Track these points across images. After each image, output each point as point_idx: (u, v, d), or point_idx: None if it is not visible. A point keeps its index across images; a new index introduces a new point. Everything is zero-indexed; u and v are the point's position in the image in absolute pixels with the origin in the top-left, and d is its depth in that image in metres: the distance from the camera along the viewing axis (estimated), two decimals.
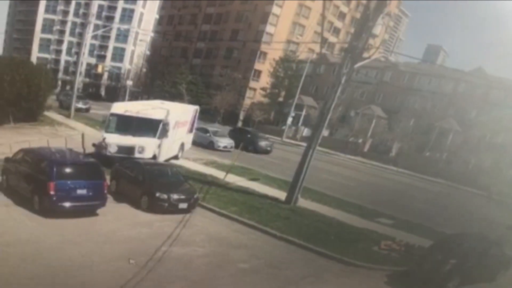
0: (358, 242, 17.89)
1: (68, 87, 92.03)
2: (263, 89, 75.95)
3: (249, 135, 40.75)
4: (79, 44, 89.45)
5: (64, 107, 50.89)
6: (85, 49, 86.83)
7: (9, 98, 33.50)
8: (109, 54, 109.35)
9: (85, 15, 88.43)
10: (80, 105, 52.09)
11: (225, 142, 37.83)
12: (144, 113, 25.56)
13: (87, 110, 53.19)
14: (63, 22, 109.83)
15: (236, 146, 34.91)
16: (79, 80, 71.63)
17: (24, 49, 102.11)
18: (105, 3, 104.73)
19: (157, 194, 18.28)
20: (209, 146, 36.80)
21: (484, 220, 25.28)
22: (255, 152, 38.55)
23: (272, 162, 35.82)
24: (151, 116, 25.39)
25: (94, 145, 24.82)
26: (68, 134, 31.71)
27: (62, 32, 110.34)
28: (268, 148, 40.70)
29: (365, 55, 22.56)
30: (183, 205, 18.62)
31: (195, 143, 34.45)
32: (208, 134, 37.86)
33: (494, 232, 19.15)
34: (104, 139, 24.37)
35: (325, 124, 21.90)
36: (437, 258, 15.00)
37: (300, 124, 66.04)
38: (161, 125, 25.15)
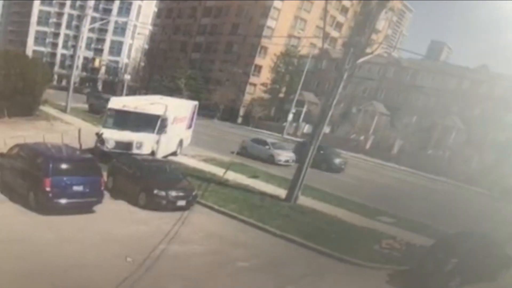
0: (359, 240, 17.74)
1: (64, 81, 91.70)
2: (263, 84, 75.70)
3: (322, 151, 32.83)
4: (76, 37, 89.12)
5: (95, 112, 45.17)
6: (82, 43, 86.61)
7: (4, 92, 33.15)
8: (106, 48, 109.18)
9: (82, 8, 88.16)
10: None
11: (286, 155, 33.58)
12: (142, 108, 25.35)
13: None
14: (60, 15, 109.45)
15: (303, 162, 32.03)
16: (76, 74, 71.19)
17: (19, 42, 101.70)
18: None
19: (155, 191, 18.11)
20: (268, 160, 32.80)
21: (486, 219, 25.10)
22: (328, 171, 33.55)
23: (349, 183, 31.21)
24: (149, 112, 25.17)
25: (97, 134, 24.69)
26: (64, 129, 31.52)
27: (58, 25, 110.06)
28: (342, 166, 35.58)
29: (368, 50, 22.29)
30: (181, 202, 18.47)
31: (251, 156, 32.11)
32: (267, 147, 33.73)
33: (496, 231, 18.96)
34: (101, 134, 24.13)
35: (326, 121, 21.74)
36: (439, 257, 14.85)
37: (301, 120, 65.85)
38: (159, 121, 24.94)
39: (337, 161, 35.04)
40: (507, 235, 18.41)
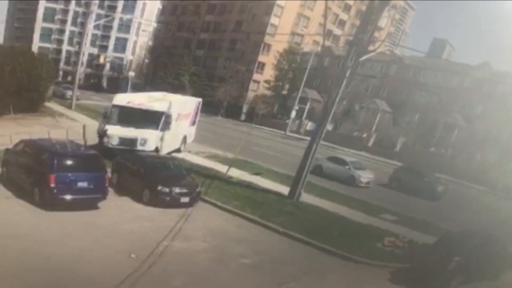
0: (362, 238, 17.74)
1: (69, 78, 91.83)
2: (266, 81, 75.57)
3: (426, 179, 30.67)
4: (81, 34, 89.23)
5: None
6: (87, 39, 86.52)
7: (10, 88, 33.20)
8: (111, 45, 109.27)
9: (87, 4, 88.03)
10: None
11: (367, 176, 30.14)
12: (146, 105, 25.41)
13: None
14: (65, 11, 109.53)
15: (403, 189, 29.71)
16: (81, 70, 71.34)
17: (25, 38, 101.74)
18: None
19: (159, 188, 18.14)
20: (348, 181, 29.27)
21: (489, 217, 25.08)
22: (431, 199, 29.08)
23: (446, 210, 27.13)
24: (153, 108, 25.24)
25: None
26: (69, 125, 31.63)
27: (63, 22, 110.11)
28: (443, 193, 30.94)
29: (371, 48, 22.26)
30: (185, 199, 18.51)
31: (326, 176, 29.51)
32: (347, 167, 30.09)
33: (499, 229, 18.95)
34: (106, 130, 24.21)
35: (329, 118, 21.77)
36: (441, 255, 14.84)
37: (304, 117, 65.76)
38: (163, 117, 25.01)
39: (440, 188, 30.53)
40: (510, 233, 18.41)
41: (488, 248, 15.31)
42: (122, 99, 26.36)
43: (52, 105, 42.21)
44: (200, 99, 34.60)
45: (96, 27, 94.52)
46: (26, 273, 11.04)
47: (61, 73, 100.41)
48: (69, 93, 55.29)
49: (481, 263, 14.85)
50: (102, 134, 24.33)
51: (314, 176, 27.57)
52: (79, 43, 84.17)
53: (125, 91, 63.90)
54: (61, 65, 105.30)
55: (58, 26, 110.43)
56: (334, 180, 29.04)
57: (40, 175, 15.78)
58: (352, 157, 36.48)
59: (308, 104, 65.88)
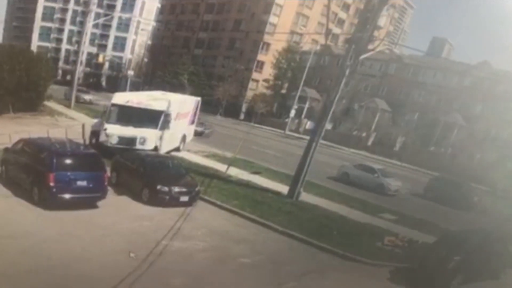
0: (361, 237, 17.72)
1: (68, 77, 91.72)
2: (265, 80, 75.65)
3: (462, 189, 29.94)
4: (80, 33, 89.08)
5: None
6: (86, 38, 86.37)
7: (9, 87, 33.19)
8: (110, 44, 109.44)
9: (86, 3, 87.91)
10: None
11: (395, 184, 29.40)
12: (145, 103, 25.36)
13: None
14: (64, 10, 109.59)
15: (438, 200, 28.61)
16: (80, 69, 71.23)
17: (24, 37, 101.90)
18: None
19: (158, 187, 18.10)
20: (377, 189, 28.38)
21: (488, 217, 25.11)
22: (467, 209, 27.88)
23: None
24: (152, 107, 25.19)
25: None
26: (68, 124, 31.57)
27: (62, 21, 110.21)
28: (478, 203, 29.79)
29: (370, 47, 22.26)
30: (184, 198, 18.45)
31: (354, 184, 28.89)
32: (375, 175, 29.24)
33: (499, 228, 18.94)
34: (105, 129, 24.17)
35: (328, 117, 21.77)
36: (441, 254, 14.79)
37: (303, 116, 65.82)
38: (162, 116, 24.96)
39: (476, 199, 29.59)
40: (510, 232, 18.40)
41: (489, 247, 15.27)
42: (121, 98, 26.30)
43: (51, 104, 42.09)
44: (199, 98, 34.58)
45: (95, 26, 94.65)
46: (26, 272, 11.00)
47: (60, 72, 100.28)
48: (85, 97, 54.64)
49: (481, 263, 14.83)
50: (96, 131, 24.34)
51: (341, 184, 27.71)
52: (78, 42, 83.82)
53: (124, 90, 63.79)
54: (60, 64, 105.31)
55: (57, 25, 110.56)
56: (362, 188, 28.16)
57: (39, 174, 15.71)
58: (379, 164, 35.49)
59: (307, 103, 65.89)
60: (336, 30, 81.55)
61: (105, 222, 15.35)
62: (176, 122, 26.67)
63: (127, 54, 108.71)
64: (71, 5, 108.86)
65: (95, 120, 26.69)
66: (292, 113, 62.22)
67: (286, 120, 63.79)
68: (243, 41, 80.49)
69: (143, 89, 70.47)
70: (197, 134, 36.12)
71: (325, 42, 55.03)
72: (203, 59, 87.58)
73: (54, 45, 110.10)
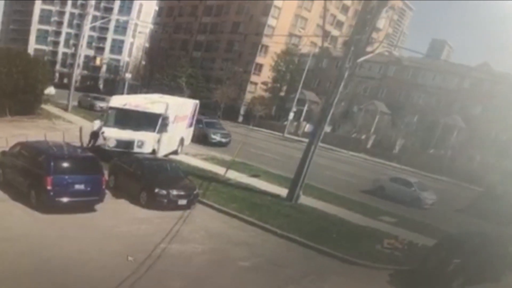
0: (361, 240, 17.69)
1: (66, 80, 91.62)
2: (264, 83, 75.52)
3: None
4: (77, 36, 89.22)
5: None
6: (83, 41, 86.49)
7: (6, 90, 33.05)
8: (107, 46, 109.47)
9: (83, 6, 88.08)
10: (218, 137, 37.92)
11: (431, 197, 28.26)
12: (143, 107, 25.30)
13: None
14: (61, 13, 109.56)
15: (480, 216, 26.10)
16: (77, 72, 71.17)
17: (21, 40, 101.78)
18: None
19: (156, 190, 18.06)
20: (414, 203, 27.09)
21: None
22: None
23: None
24: (150, 110, 25.13)
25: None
26: (66, 127, 31.51)
27: (59, 23, 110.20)
28: None
29: (369, 49, 22.23)
30: (182, 201, 18.42)
31: (389, 197, 27.54)
32: (412, 189, 28.02)
33: (498, 231, 18.92)
34: (102, 133, 24.10)
35: (327, 120, 21.70)
36: (441, 257, 14.79)
37: (302, 119, 65.68)
38: (160, 119, 24.89)
39: None
40: (510, 235, 18.37)
41: (489, 249, 15.23)
42: (119, 101, 26.25)
43: (49, 107, 42.02)
44: (197, 101, 34.49)
45: (93, 28, 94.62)
46: (24, 276, 10.99)
47: (57, 75, 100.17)
48: (100, 104, 53.91)
49: (481, 265, 14.80)
50: (95, 135, 24.28)
51: (376, 198, 26.85)
52: (76, 45, 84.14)
53: (122, 93, 63.66)
54: (58, 67, 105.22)
55: (54, 28, 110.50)
56: (398, 202, 26.80)
57: (36, 178, 15.68)
58: (415, 177, 33.57)
59: (306, 105, 65.77)
60: (334, 32, 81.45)
61: (103, 226, 15.31)
62: (174, 125, 26.62)
63: (124, 57, 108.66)
64: (68, 8, 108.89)
65: (97, 122, 26.48)
66: (291, 115, 62.09)
67: (285, 122, 63.63)
68: (241, 43, 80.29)
69: (141, 92, 70.31)
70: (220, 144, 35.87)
71: (322, 44, 54.92)
72: (202, 61, 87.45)
73: (51, 48, 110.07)
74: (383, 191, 28.52)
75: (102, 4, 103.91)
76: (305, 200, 21.94)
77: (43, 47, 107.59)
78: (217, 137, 37.35)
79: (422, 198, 27.75)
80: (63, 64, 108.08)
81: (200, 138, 35.82)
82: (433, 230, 19.92)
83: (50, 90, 54.45)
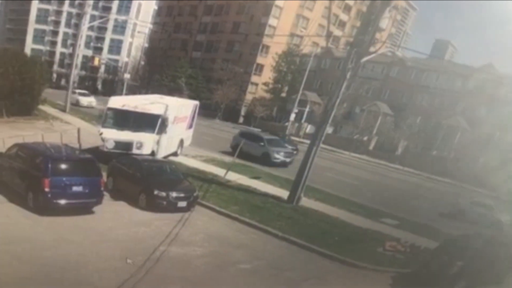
0: (363, 243, 17.59)
1: (63, 80, 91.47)
2: (265, 84, 75.28)
3: None
4: (75, 36, 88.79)
5: None
6: (81, 41, 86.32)
7: (2, 91, 32.69)
8: (106, 46, 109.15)
9: (81, 5, 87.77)
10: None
11: (510, 218, 26.44)
12: (142, 107, 25.07)
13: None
14: (58, 12, 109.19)
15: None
16: (75, 73, 70.94)
17: (17, 40, 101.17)
18: None
19: (156, 192, 17.92)
20: (493, 226, 25.04)
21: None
22: None
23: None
24: (149, 111, 24.90)
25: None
26: (64, 129, 31.30)
27: (57, 23, 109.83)
28: None
29: (372, 49, 22.07)
30: (182, 204, 18.28)
31: (472, 222, 25.44)
32: (493, 212, 26.51)
33: (503, 233, 18.79)
34: (101, 134, 23.93)
35: (329, 121, 21.57)
36: (443, 260, 14.65)
37: (303, 120, 65.58)
38: (160, 121, 24.66)
39: None
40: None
41: (491, 251, 15.08)
42: (118, 102, 26.02)
43: (46, 108, 41.84)
44: (197, 102, 34.29)
45: (91, 28, 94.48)
46: (21, 279, 10.87)
47: (55, 75, 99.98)
48: (86, 99, 53.78)
49: (484, 267, 14.61)
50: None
51: (455, 222, 25.38)
52: (73, 45, 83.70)
53: (120, 93, 63.56)
54: (55, 67, 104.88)
55: (51, 28, 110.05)
56: (479, 226, 24.48)
57: (34, 180, 15.54)
58: (494, 199, 30.80)
59: (308, 106, 65.64)
60: (337, 32, 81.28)
61: (101, 228, 15.20)
62: (173, 126, 26.41)
63: (123, 57, 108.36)
64: (66, 7, 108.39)
65: None
66: (292, 116, 61.93)
67: (286, 124, 63.54)
68: (242, 43, 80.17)
69: (140, 93, 70.07)
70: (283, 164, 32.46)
71: (326, 45, 54.77)
72: (202, 62, 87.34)
73: (48, 48, 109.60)
74: (463, 215, 26.94)
75: (101, 3, 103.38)
76: (306, 202, 21.82)
77: (40, 47, 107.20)
78: (280, 157, 33.33)
79: (504, 220, 26.15)
80: (61, 65, 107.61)
81: (261, 158, 32.44)
82: (435, 233, 19.77)
83: (91, 101, 54.64)
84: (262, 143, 33.37)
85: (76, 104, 51.72)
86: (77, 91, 58.40)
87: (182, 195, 18.42)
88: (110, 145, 23.56)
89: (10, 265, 11.36)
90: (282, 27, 74.94)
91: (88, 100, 55.42)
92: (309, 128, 62.46)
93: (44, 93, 39.71)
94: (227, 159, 29.03)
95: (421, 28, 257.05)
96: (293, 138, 50.54)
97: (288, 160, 33.23)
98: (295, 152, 36.46)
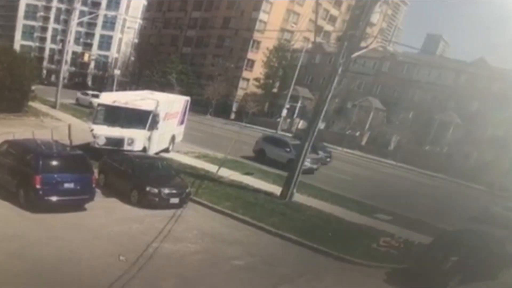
0: (356, 238, 17.57)
1: (53, 76, 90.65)
2: (256, 79, 75.19)
3: None
4: (64, 32, 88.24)
5: None
6: (71, 37, 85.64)
7: None
8: (95, 42, 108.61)
9: (70, 1, 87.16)
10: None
11: None
12: (133, 103, 24.90)
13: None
14: (47, 8, 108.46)
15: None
16: (65, 69, 70.37)
17: (6, 36, 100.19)
18: None
19: (148, 188, 17.85)
20: None
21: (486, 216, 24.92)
22: None
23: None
24: (140, 107, 24.75)
25: None
26: (54, 125, 30.99)
27: (46, 19, 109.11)
28: None
29: (363, 44, 22.06)
30: (174, 200, 18.21)
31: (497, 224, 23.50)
32: None
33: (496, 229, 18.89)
34: (91, 130, 23.75)
35: (321, 116, 21.49)
36: (438, 255, 14.69)
37: (295, 116, 65.67)
38: (151, 117, 24.52)
39: None
40: (507, 232, 18.32)
41: (486, 247, 15.16)
42: (108, 98, 25.83)
43: (37, 104, 41.49)
44: (188, 98, 34.13)
45: (80, 24, 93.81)
46: (13, 276, 10.81)
47: (44, 71, 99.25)
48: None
49: (478, 263, 14.72)
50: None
51: (486, 226, 22.58)
52: (63, 41, 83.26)
53: (111, 89, 63.12)
54: (45, 63, 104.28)
55: (40, 24, 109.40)
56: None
57: (25, 176, 15.45)
58: None
59: (300, 102, 65.72)
60: (328, 27, 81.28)
61: (93, 225, 15.12)
62: (165, 123, 26.30)
63: (113, 53, 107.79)
64: (55, 3, 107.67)
65: None
66: (284, 112, 61.98)
67: (278, 119, 63.53)
68: (232, 39, 79.86)
69: (130, 89, 69.68)
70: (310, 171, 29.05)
71: (314, 39, 54.66)
72: (192, 57, 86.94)
73: (38, 44, 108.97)
74: (493, 219, 25.01)
75: None
76: (299, 198, 21.82)
77: (30, 43, 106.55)
78: (307, 163, 27.90)
79: None
80: (51, 61, 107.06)
81: (287, 165, 28.50)
82: (429, 228, 19.82)
83: None
84: (287, 149, 31.00)
85: (90, 106, 47.67)
86: (90, 92, 56.50)
87: (174, 191, 18.32)
88: (101, 141, 23.44)
89: (2, 262, 11.27)
90: (272, 22, 74.62)
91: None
92: (301, 124, 62.52)
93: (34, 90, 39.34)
94: (220, 155, 28.86)
95: (413, 23, 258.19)
96: (285, 133, 50.47)
97: (315, 167, 30.68)
98: (328, 159, 35.54)
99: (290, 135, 45.46)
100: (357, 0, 22.44)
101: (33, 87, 38.57)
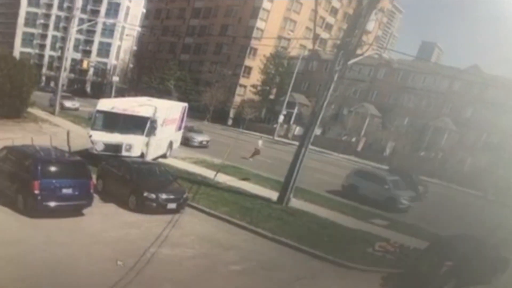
0: (352, 243, 17.62)
1: (52, 83, 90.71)
2: (253, 86, 75.40)
3: None
4: (64, 39, 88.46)
5: None
6: (70, 44, 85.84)
7: None
8: (94, 49, 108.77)
9: (70, 9, 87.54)
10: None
11: None
12: (131, 110, 25.05)
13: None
14: (47, 16, 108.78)
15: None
16: (64, 76, 70.33)
17: (6, 43, 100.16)
18: None
19: (145, 194, 17.88)
20: None
21: (480, 222, 25.04)
22: None
23: None
24: (138, 113, 24.89)
25: None
26: (53, 131, 31.14)
27: (46, 26, 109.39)
28: None
29: (358, 51, 22.23)
30: (172, 205, 18.24)
31: None
32: None
33: (491, 234, 18.95)
34: (90, 136, 23.85)
35: (317, 123, 21.63)
36: (433, 260, 14.76)
37: (291, 122, 65.81)
38: (149, 123, 24.68)
39: None
40: (502, 237, 18.41)
41: (481, 252, 15.25)
42: (107, 104, 25.95)
43: (35, 111, 41.57)
44: (186, 104, 34.31)
45: (79, 31, 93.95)
46: (11, 282, 10.79)
47: (44, 78, 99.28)
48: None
49: (473, 268, 14.81)
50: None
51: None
52: (62, 48, 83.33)
53: (109, 96, 63.21)
54: (44, 70, 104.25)
55: (40, 31, 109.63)
56: None
57: (24, 182, 15.46)
58: None
59: (296, 108, 65.90)
60: (324, 34, 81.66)
61: (91, 230, 15.14)
62: (162, 129, 26.42)
63: (112, 60, 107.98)
64: (54, 11, 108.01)
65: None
66: (281, 118, 62.13)
67: (275, 125, 63.64)
68: (230, 46, 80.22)
69: (128, 95, 69.74)
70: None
71: (312, 47, 55.00)
72: (190, 64, 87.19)
73: (37, 51, 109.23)
74: None
75: (89, 7, 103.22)
76: (296, 203, 21.87)
77: (29, 50, 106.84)
78: (406, 201, 26.97)
79: None
80: (50, 68, 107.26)
81: (384, 204, 26.19)
82: (424, 233, 19.92)
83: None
84: (386, 186, 26.94)
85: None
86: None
87: (172, 196, 18.37)
88: (99, 147, 23.52)
89: (0, 268, 11.26)
90: (269, 30, 74.90)
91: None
92: (297, 130, 62.67)
93: (33, 96, 39.44)
94: (217, 161, 28.95)
95: (408, 30, 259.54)
96: (281, 139, 50.51)
97: (412, 204, 27.27)
98: (426, 194, 31.79)
99: (385, 167, 41.26)
100: (356, 0, 22.43)
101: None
